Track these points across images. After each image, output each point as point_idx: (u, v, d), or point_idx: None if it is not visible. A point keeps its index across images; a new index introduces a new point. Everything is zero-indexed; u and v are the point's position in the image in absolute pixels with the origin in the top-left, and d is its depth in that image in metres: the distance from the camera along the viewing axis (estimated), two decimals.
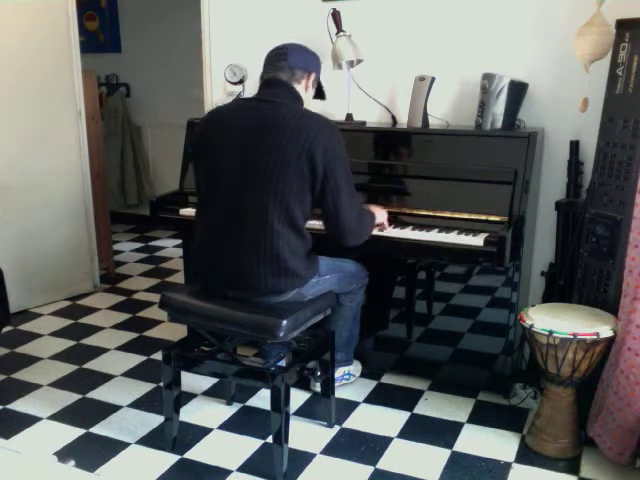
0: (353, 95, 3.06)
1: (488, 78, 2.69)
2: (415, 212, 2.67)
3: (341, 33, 2.96)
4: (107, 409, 2.71)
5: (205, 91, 3.53)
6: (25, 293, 3.72)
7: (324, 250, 2.45)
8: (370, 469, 2.32)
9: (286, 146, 2.13)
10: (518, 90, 2.72)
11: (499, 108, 2.68)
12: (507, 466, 2.33)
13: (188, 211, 2.88)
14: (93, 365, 3.11)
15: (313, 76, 2.37)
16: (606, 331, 2.22)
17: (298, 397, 2.78)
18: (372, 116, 3.12)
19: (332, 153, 2.16)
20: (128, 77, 5.72)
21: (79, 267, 4.00)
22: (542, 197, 2.85)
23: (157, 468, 2.32)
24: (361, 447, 2.45)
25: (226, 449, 2.44)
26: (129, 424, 2.60)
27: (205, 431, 2.56)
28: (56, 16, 3.67)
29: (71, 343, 3.35)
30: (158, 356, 3.11)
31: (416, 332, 2.88)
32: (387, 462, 2.36)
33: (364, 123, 3.02)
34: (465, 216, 2.59)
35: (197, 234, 2.38)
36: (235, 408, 2.73)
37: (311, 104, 2.41)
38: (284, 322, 2.16)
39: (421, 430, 2.55)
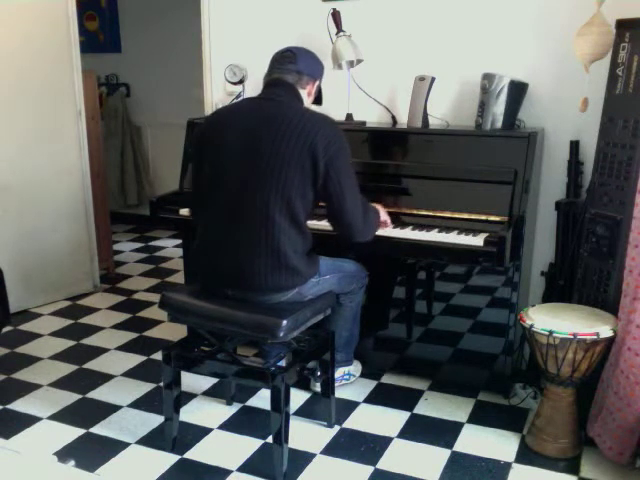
0: (353, 95, 3.06)
1: (488, 78, 2.69)
2: (415, 212, 2.67)
3: (341, 33, 2.96)
4: (107, 409, 2.71)
5: (205, 91, 3.53)
6: (25, 293, 3.72)
7: (324, 250, 2.45)
8: (370, 469, 2.32)
9: (288, 141, 2.15)
10: (518, 90, 2.72)
11: (499, 108, 2.68)
12: (507, 466, 2.33)
13: (188, 211, 2.88)
14: (93, 365, 3.11)
15: (317, 83, 2.44)
16: (606, 331, 2.22)
17: (298, 397, 2.78)
18: (372, 116, 3.12)
19: (334, 148, 2.17)
20: (128, 77, 5.72)
21: (79, 267, 4.00)
22: (542, 197, 2.85)
23: (157, 468, 2.32)
24: (361, 447, 2.45)
25: (226, 449, 2.44)
26: (129, 424, 2.60)
27: (205, 431, 2.56)
28: (56, 16, 3.67)
29: (71, 343, 3.35)
30: (158, 356, 3.11)
31: (416, 332, 2.88)
32: (387, 462, 2.36)
33: (364, 123, 3.02)
34: (465, 216, 2.59)
35: (197, 234, 2.38)
36: (235, 408, 2.73)
37: (310, 107, 2.42)
38: (284, 322, 2.17)
39: (421, 430, 2.55)
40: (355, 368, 2.90)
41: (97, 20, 5.67)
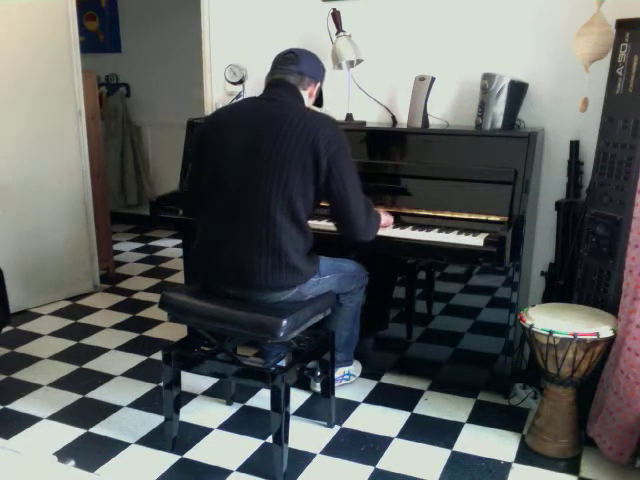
0: (353, 95, 3.06)
1: (488, 78, 2.69)
2: (415, 212, 2.68)
3: (341, 33, 2.96)
4: (107, 409, 2.71)
5: (205, 91, 3.53)
6: (25, 293, 3.72)
7: (325, 250, 2.45)
8: (370, 469, 2.32)
9: (289, 140, 2.16)
10: (518, 90, 2.72)
11: (499, 108, 2.68)
12: (507, 466, 2.33)
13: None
14: (93, 365, 3.11)
15: (318, 85, 2.46)
16: (606, 331, 2.22)
17: (298, 397, 2.78)
18: (372, 116, 3.12)
19: (335, 147, 2.18)
20: (128, 77, 5.72)
21: (79, 267, 4.00)
22: (542, 197, 2.85)
23: (157, 468, 2.32)
24: (361, 447, 2.45)
25: (226, 449, 2.44)
26: (129, 424, 2.60)
27: (205, 431, 2.56)
28: (56, 16, 3.67)
29: (71, 343, 3.36)
30: (158, 356, 3.11)
31: (416, 332, 2.88)
32: (387, 462, 2.36)
33: (364, 123, 3.02)
34: (465, 216, 2.59)
35: (197, 234, 2.38)
36: (235, 408, 2.73)
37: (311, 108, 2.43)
38: (284, 322, 2.17)
39: (421, 430, 2.55)
40: (355, 368, 2.90)
41: (97, 20, 5.67)
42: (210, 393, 2.84)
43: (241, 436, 2.52)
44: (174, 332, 3.34)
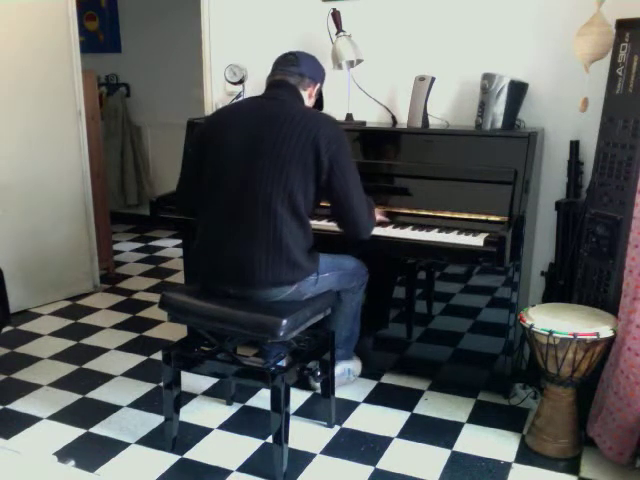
0: (353, 95, 3.06)
1: (488, 78, 2.69)
2: (415, 212, 2.68)
3: (341, 33, 2.96)
4: (107, 409, 2.71)
5: (205, 91, 3.53)
6: (25, 293, 3.72)
7: (324, 250, 2.45)
8: (370, 469, 2.32)
9: (290, 139, 2.19)
10: (518, 90, 2.72)
11: (499, 108, 2.68)
12: (507, 466, 2.33)
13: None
14: (93, 365, 3.11)
15: (318, 86, 2.49)
16: (606, 331, 2.22)
17: (298, 397, 2.78)
18: (372, 116, 3.12)
19: (336, 145, 2.21)
20: (128, 77, 5.72)
21: (79, 267, 4.00)
22: (542, 197, 2.85)
23: (157, 468, 2.32)
24: (361, 447, 2.45)
25: (226, 449, 2.44)
26: (129, 424, 2.60)
27: (205, 431, 2.56)
28: (56, 16, 3.68)
29: (71, 343, 3.35)
30: (158, 356, 3.11)
31: (416, 332, 2.88)
32: (387, 462, 2.36)
33: (364, 123, 3.02)
34: (465, 216, 2.59)
35: (197, 234, 2.39)
36: (235, 408, 2.73)
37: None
38: (284, 321, 2.17)
39: (421, 430, 2.55)
40: (355, 366, 2.89)
41: (97, 20, 5.67)
42: (210, 393, 2.84)
43: (241, 436, 2.52)
44: (174, 332, 3.34)
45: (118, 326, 3.58)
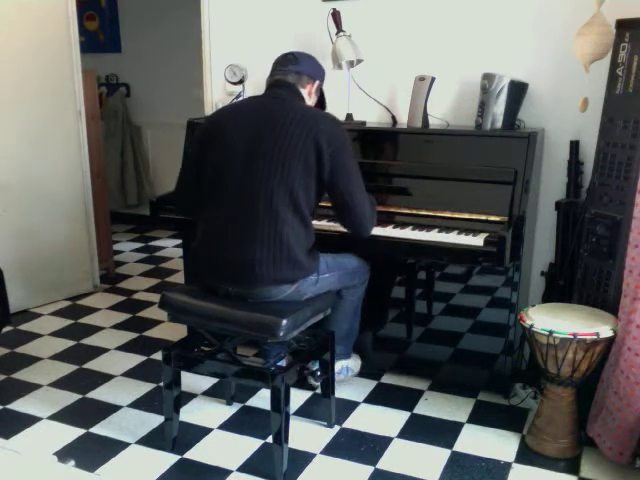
0: (353, 95, 3.06)
1: (488, 78, 2.69)
2: (415, 212, 2.68)
3: (341, 33, 2.96)
4: (107, 409, 2.71)
5: (205, 91, 3.53)
6: (25, 293, 3.72)
7: (324, 250, 2.45)
8: (370, 469, 2.32)
9: (291, 137, 2.20)
10: (518, 90, 2.72)
11: (499, 108, 2.68)
12: (507, 466, 2.33)
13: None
14: (93, 365, 3.11)
15: (317, 84, 2.50)
16: (606, 331, 2.22)
17: (298, 397, 2.78)
18: (372, 116, 3.12)
19: (337, 143, 2.23)
20: (128, 77, 5.72)
21: (79, 267, 4.00)
22: (542, 197, 2.85)
23: (157, 468, 2.32)
24: (361, 447, 2.45)
25: (226, 449, 2.44)
26: (129, 424, 2.60)
27: (205, 431, 2.56)
28: (56, 16, 3.67)
29: (71, 343, 3.35)
30: (158, 356, 3.11)
31: (416, 332, 2.88)
32: (387, 462, 2.36)
33: (364, 123, 3.02)
34: (465, 216, 2.59)
35: (198, 232, 2.39)
36: (235, 408, 2.73)
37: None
38: (284, 321, 2.17)
39: (421, 430, 2.55)
40: (354, 363, 2.89)
41: (97, 20, 5.67)
42: (210, 393, 2.84)
43: (241, 436, 2.52)
44: (174, 332, 3.34)
45: (118, 326, 3.58)
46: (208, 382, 2.90)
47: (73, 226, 3.92)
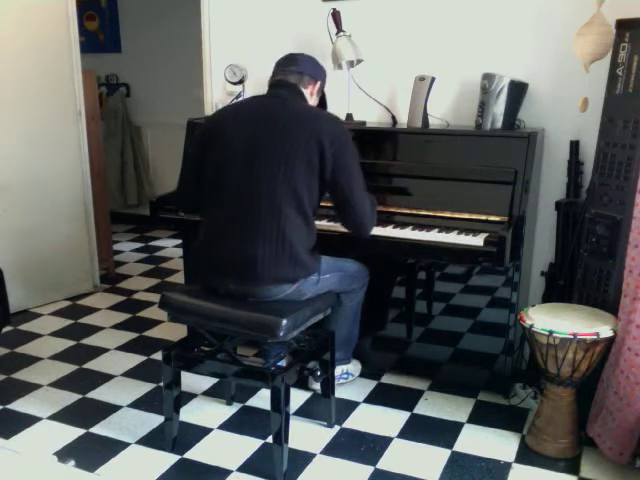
0: (353, 95, 3.06)
1: (488, 78, 2.69)
2: (415, 212, 2.68)
3: (341, 33, 2.96)
4: (107, 409, 2.71)
5: (205, 91, 3.53)
6: (25, 293, 3.72)
7: (325, 250, 2.45)
8: (370, 469, 2.32)
9: (294, 134, 2.21)
10: (518, 90, 2.72)
11: (499, 108, 2.68)
12: (507, 466, 2.33)
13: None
14: (93, 365, 3.11)
15: (319, 84, 2.51)
16: (606, 331, 2.22)
17: (298, 397, 2.78)
18: (372, 116, 3.12)
19: (340, 142, 2.24)
20: (128, 77, 5.72)
21: (79, 267, 4.00)
22: (542, 197, 2.85)
23: (157, 468, 2.32)
24: (361, 447, 2.45)
25: (226, 449, 2.44)
26: (129, 424, 2.60)
27: (205, 431, 2.56)
28: (56, 16, 3.67)
29: (71, 343, 3.35)
30: (158, 356, 3.11)
31: (416, 332, 2.88)
32: (387, 462, 2.36)
33: (364, 123, 3.02)
34: (465, 216, 2.59)
35: (200, 230, 2.39)
36: (235, 408, 2.73)
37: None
38: (284, 321, 2.17)
39: (421, 430, 2.55)
40: (354, 367, 2.90)
41: (97, 20, 5.67)
42: (210, 393, 2.84)
43: (241, 436, 2.52)
44: (174, 332, 3.34)
45: (118, 326, 3.58)
46: (208, 382, 2.90)
47: (73, 226, 3.92)
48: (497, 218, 2.53)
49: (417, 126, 2.82)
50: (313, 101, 2.50)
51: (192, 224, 2.69)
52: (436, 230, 2.55)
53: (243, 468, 2.32)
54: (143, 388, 2.88)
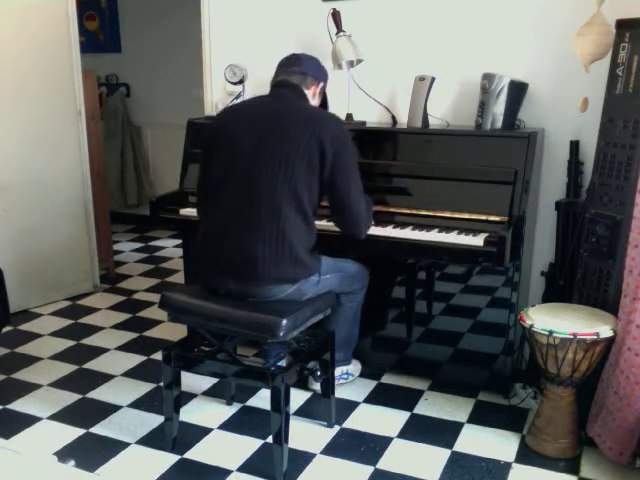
0: (353, 95, 3.06)
1: (488, 78, 2.69)
2: (415, 212, 2.67)
3: (341, 33, 2.96)
4: (107, 409, 2.71)
5: (205, 91, 3.53)
6: (25, 293, 3.72)
7: (325, 250, 2.45)
8: (370, 469, 2.32)
9: (295, 134, 2.22)
10: (518, 90, 2.72)
11: (499, 108, 2.68)
12: (507, 466, 2.33)
13: (188, 211, 2.88)
14: (93, 365, 3.11)
15: (321, 85, 2.52)
16: (606, 331, 2.22)
17: (298, 397, 2.78)
18: (372, 116, 3.12)
19: (340, 142, 2.25)
20: (128, 77, 5.72)
21: (79, 267, 4.00)
22: (542, 197, 2.85)
23: (157, 468, 2.32)
24: (361, 447, 2.45)
25: (226, 449, 2.44)
26: (129, 424, 2.60)
27: (205, 431, 2.56)
28: (56, 16, 3.67)
29: (71, 343, 3.35)
30: (158, 356, 3.11)
31: (416, 332, 2.88)
32: (387, 462, 2.36)
33: (364, 123, 3.02)
34: (465, 216, 2.59)
35: (203, 229, 2.39)
36: (235, 408, 2.73)
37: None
38: (284, 321, 2.17)
39: (421, 430, 2.55)
40: (354, 368, 2.90)
41: (97, 20, 5.67)
42: (210, 393, 2.84)
43: (241, 436, 2.52)
44: (174, 332, 3.34)
45: (118, 326, 3.58)
46: (208, 382, 2.90)
47: (73, 226, 3.92)
48: (497, 218, 2.53)
49: (417, 126, 2.82)
50: (315, 102, 2.50)
51: (192, 224, 2.69)
52: (436, 230, 2.55)
53: (243, 468, 2.32)
54: (143, 388, 2.88)
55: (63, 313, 3.75)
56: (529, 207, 2.56)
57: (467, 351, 2.80)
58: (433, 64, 2.94)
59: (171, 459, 2.37)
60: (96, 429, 2.56)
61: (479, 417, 2.64)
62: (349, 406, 2.73)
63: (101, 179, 4.25)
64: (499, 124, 2.70)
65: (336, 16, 2.98)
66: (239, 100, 3.16)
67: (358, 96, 3.07)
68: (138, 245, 5.24)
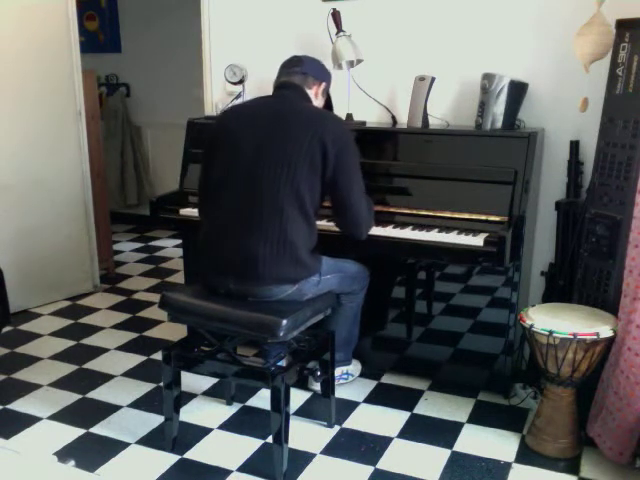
0: (353, 95, 3.06)
1: (488, 78, 2.69)
2: (415, 212, 2.67)
3: (341, 33, 2.96)
4: (107, 409, 2.71)
5: (205, 91, 3.53)
6: (25, 293, 3.72)
7: (325, 250, 2.45)
8: (370, 469, 2.32)
9: (297, 135, 2.22)
10: (518, 90, 2.72)
11: (499, 108, 2.68)
12: (507, 466, 2.33)
13: (188, 211, 2.88)
14: (93, 365, 3.11)
15: (324, 85, 2.53)
16: (606, 331, 2.22)
17: (298, 397, 2.78)
18: (372, 116, 3.12)
19: (342, 142, 2.25)
20: (128, 77, 5.72)
21: (79, 267, 4.00)
22: (542, 197, 2.85)
23: (157, 468, 2.32)
24: (361, 447, 2.45)
25: (226, 449, 2.44)
26: (129, 424, 2.60)
27: (205, 431, 2.56)
28: (56, 16, 3.67)
29: (71, 343, 3.35)
30: (158, 356, 3.11)
31: (416, 332, 2.88)
32: (387, 462, 2.36)
33: (364, 123, 3.02)
34: (465, 216, 2.59)
35: (205, 228, 2.39)
36: (235, 408, 2.73)
37: None
38: (284, 321, 2.17)
39: (421, 430, 2.55)
40: (354, 368, 2.90)
41: (97, 20, 5.67)
42: (210, 393, 2.84)
43: (241, 436, 2.52)
44: (174, 332, 3.34)
45: (118, 326, 3.58)
46: (208, 382, 2.90)
47: (73, 226, 3.92)
48: (497, 218, 2.53)
49: (417, 126, 2.82)
50: (318, 102, 2.51)
51: (192, 224, 2.69)
52: (436, 230, 2.55)
53: (243, 468, 2.32)
54: (143, 388, 2.88)
55: (63, 313, 3.75)
56: (529, 207, 2.56)
57: (467, 351, 2.80)
58: (433, 64, 2.94)
59: (171, 459, 2.37)
60: (96, 429, 2.56)
61: (479, 417, 2.64)
62: (349, 406, 2.73)
63: (101, 179, 4.25)
64: (499, 124, 2.70)
65: (336, 16, 2.98)
66: (239, 100, 3.16)
67: (358, 96, 3.07)
68: (138, 245, 5.24)
